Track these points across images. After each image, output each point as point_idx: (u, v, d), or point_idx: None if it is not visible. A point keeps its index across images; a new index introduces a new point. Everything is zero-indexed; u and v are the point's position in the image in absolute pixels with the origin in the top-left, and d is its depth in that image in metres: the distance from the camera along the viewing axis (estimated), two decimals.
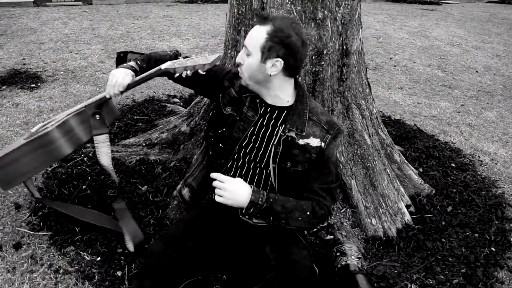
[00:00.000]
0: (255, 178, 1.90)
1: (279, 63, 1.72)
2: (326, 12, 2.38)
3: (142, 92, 4.45)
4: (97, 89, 4.46)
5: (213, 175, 1.73)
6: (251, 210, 1.73)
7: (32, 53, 5.53)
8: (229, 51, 2.70)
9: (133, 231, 2.23)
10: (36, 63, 5.14)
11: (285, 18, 1.77)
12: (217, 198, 1.70)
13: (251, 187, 1.74)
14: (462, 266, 2.39)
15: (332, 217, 2.55)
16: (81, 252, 2.22)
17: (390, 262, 2.37)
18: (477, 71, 6.41)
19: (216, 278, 2.12)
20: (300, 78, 2.44)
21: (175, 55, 2.04)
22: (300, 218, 1.78)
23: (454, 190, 3.01)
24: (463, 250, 2.49)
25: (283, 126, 1.83)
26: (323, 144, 1.83)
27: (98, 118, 2.16)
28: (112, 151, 2.88)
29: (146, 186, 2.67)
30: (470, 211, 2.83)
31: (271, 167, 1.85)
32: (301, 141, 1.82)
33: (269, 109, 1.86)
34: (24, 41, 6.07)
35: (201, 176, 2.47)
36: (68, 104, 3.97)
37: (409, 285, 2.22)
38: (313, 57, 2.44)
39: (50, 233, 2.33)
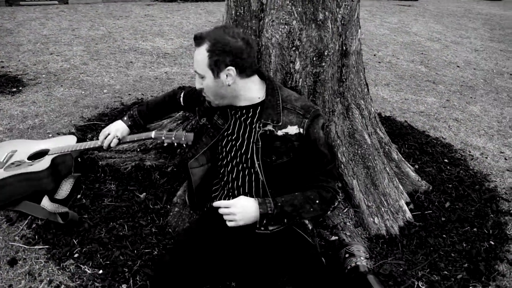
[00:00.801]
0: (246, 179, 1.93)
1: (232, 70, 1.75)
2: (327, 13, 2.38)
3: (130, 94, 4.39)
4: (82, 92, 4.38)
5: (216, 204, 1.75)
6: (264, 221, 1.73)
7: (10, 55, 5.39)
8: None
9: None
10: (16, 66, 5.01)
11: (216, 29, 1.78)
12: (229, 224, 1.72)
13: (255, 200, 1.76)
14: (465, 261, 2.43)
15: (335, 213, 2.56)
16: (81, 266, 2.16)
17: (395, 260, 2.39)
18: (458, 66, 6.52)
19: (225, 286, 2.10)
20: (301, 80, 2.43)
21: (174, 94, 2.37)
22: (311, 209, 1.81)
23: (450, 185, 3.05)
24: (464, 245, 2.53)
25: (259, 121, 1.85)
26: (301, 130, 1.84)
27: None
28: (105, 157, 2.86)
29: (144, 193, 2.64)
30: (467, 206, 2.88)
31: (256, 165, 1.87)
32: (279, 132, 1.83)
33: (244, 110, 1.89)
34: (1, 43, 5.91)
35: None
36: (53, 108, 3.88)
37: (416, 283, 2.25)
38: (314, 59, 2.43)
39: (46, 246, 2.26)
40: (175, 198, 2.57)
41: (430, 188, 2.98)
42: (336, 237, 2.46)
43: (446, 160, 3.44)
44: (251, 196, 1.92)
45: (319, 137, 1.88)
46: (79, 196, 2.59)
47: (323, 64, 2.45)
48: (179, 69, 5.40)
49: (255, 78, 1.87)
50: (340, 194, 2.54)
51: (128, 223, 2.41)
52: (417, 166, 3.22)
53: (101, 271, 2.12)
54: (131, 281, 2.08)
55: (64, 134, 3.38)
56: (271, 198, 1.78)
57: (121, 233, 2.33)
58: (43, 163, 2.51)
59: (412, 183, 2.96)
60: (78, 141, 2.71)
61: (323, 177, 1.86)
